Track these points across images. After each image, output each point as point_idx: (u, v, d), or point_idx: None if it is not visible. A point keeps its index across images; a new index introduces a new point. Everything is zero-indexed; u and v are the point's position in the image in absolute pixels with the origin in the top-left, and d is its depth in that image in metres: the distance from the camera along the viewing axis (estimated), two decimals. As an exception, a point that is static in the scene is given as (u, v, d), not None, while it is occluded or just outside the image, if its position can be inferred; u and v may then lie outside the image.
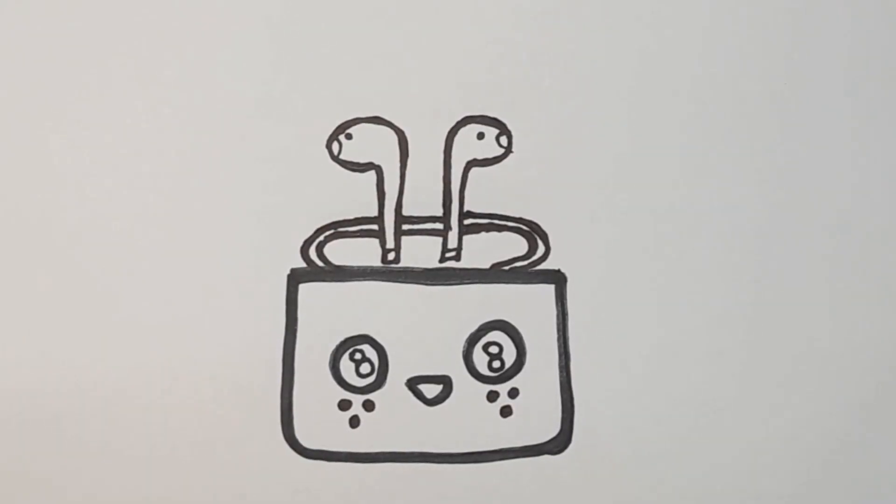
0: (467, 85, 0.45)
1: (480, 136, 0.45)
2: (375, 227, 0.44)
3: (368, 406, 0.43)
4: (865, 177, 0.45)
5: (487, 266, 0.44)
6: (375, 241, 0.44)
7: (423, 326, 0.44)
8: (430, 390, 0.44)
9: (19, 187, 0.44)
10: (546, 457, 0.43)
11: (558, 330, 0.44)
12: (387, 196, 0.45)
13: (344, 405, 0.44)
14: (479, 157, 0.45)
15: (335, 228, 0.44)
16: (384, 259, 0.44)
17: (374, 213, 0.44)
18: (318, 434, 0.43)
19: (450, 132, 0.45)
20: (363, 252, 0.44)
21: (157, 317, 0.43)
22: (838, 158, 0.45)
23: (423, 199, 0.45)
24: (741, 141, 0.45)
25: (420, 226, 0.44)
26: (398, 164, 0.45)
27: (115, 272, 0.44)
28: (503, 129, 0.45)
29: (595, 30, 0.45)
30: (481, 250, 0.44)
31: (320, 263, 0.44)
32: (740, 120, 0.45)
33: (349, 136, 0.45)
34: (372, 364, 0.44)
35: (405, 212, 0.44)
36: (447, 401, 0.44)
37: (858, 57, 0.46)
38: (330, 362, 0.44)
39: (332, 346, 0.44)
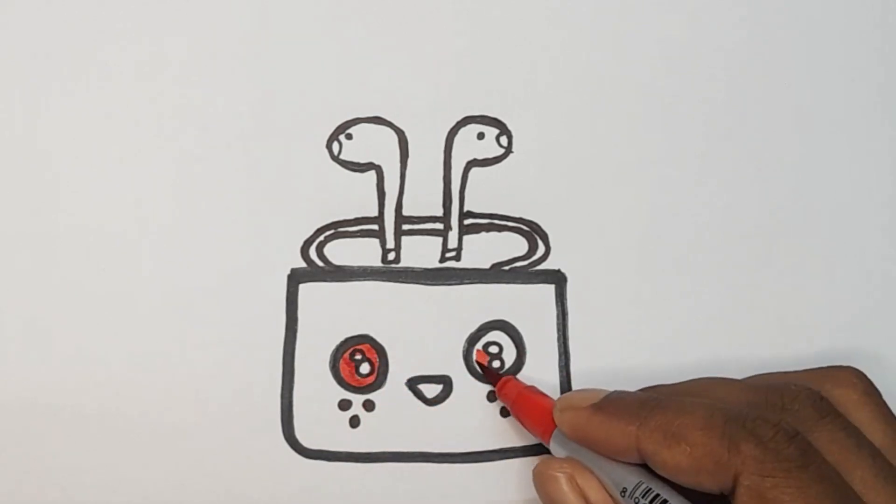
0: (467, 85, 0.45)
1: (480, 136, 0.45)
2: (375, 227, 0.44)
3: (368, 406, 0.43)
4: (865, 177, 0.45)
5: (487, 266, 0.44)
6: (375, 241, 0.44)
7: (423, 326, 0.44)
8: (430, 390, 0.44)
9: (18, 188, 0.44)
10: (546, 457, 0.43)
11: (558, 330, 0.44)
12: (387, 196, 0.45)
13: (344, 405, 0.43)
14: (479, 157, 0.45)
15: (335, 228, 0.44)
16: (384, 259, 0.44)
17: (374, 213, 0.44)
18: (318, 434, 0.43)
19: (450, 132, 0.45)
20: (363, 252, 0.44)
21: (156, 317, 0.43)
22: (839, 159, 0.45)
23: (423, 199, 0.45)
24: (742, 141, 0.45)
25: (420, 226, 0.44)
26: (398, 164, 0.45)
27: (115, 272, 0.44)
28: (503, 129, 0.45)
29: (596, 30, 0.46)
30: (481, 250, 0.44)
31: (320, 263, 0.44)
32: (741, 120, 0.45)
33: (349, 136, 0.45)
34: (372, 364, 0.44)
35: (405, 212, 0.44)
36: (447, 401, 0.44)
37: (858, 57, 0.46)
38: (330, 362, 0.44)
39: (332, 346, 0.44)
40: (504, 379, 0.43)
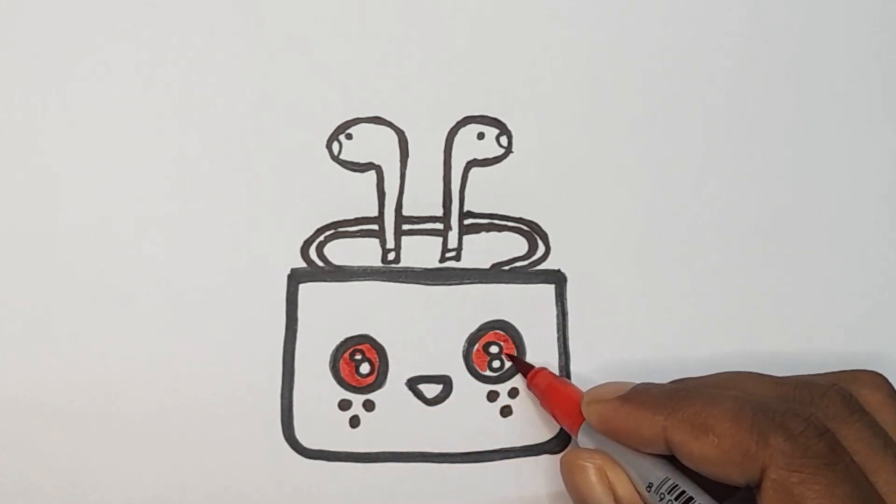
0: (467, 85, 0.45)
1: (480, 136, 0.45)
2: (375, 227, 0.44)
3: (368, 406, 0.43)
4: (865, 177, 0.45)
5: (487, 266, 0.44)
6: (375, 241, 0.44)
7: (423, 326, 0.44)
8: (430, 390, 0.44)
9: (18, 188, 0.44)
10: (546, 457, 0.43)
11: (558, 330, 0.44)
12: (387, 196, 0.45)
13: (344, 405, 0.43)
14: (479, 157, 0.45)
15: (335, 228, 0.44)
16: (384, 259, 0.44)
17: (374, 213, 0.44)
18: (318, 434, 0.43)
19: (450, 132, 0.45)
20: (363, 252, 0.44)
21: (156, 316, 0.43)
22: (839, 159, 0.45)
23: (423, 199, 0.45)
24: (742, 141, 0.45)
25: (420, 226, 0.44)
26: (398, 164, 0.45)
27: (115, 272, 0.44)
28: (503, 129, 0.45)
29: (596, 30, 0.46)
30: (481, 250, 0.44)
31: (320, 263, 0.44)
32: (741, 120, 0.45)
33: (349, 136, 0.45)
34: (372, 364, 0.44)
35: (405, 212, 0.44)
36: (447, 401, 0.44)
37: (858, 57, 0.46)
38: (330, 362, 0.44)
39: (332, 346, 0.44)
40: (535, 370, 0.43)
